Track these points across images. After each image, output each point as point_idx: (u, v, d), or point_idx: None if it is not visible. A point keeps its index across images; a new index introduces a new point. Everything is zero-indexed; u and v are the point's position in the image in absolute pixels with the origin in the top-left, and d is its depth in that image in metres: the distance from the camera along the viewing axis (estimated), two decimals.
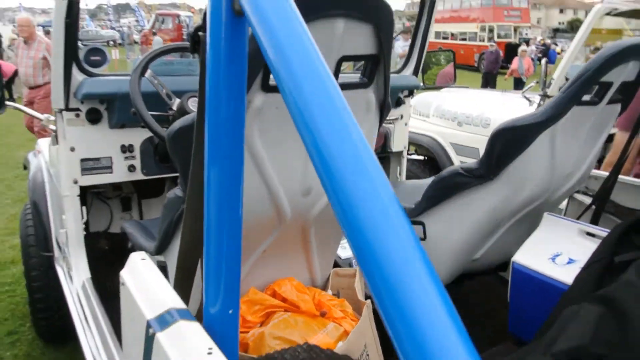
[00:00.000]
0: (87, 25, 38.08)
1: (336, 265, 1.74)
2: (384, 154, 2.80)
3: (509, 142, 1.54)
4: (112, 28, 33.08)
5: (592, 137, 1.69)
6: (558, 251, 1.53)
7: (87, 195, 2.29)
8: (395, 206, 0.49)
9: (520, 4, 27.13)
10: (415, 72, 2.66)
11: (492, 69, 14.88)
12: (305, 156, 1.21)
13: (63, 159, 1.98)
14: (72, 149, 1.95)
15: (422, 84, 3.27)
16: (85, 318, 1.93)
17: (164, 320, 0.88)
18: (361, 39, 1.13)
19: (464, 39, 25.79)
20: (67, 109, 1.91)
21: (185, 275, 0.98)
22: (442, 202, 1.77)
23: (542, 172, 1.61)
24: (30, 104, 6.65)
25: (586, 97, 1.57)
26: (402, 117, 2.72)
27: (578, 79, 1.47)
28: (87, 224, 2.22)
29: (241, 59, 0.75)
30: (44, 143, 2.93)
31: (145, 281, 1.01)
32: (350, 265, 2.00)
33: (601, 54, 1.48)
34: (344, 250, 1.84)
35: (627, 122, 2.07)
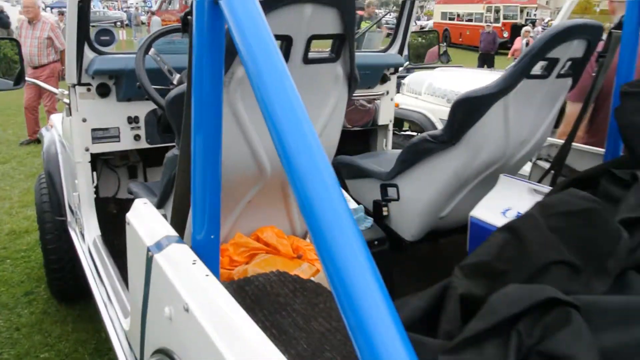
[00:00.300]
0: (94, 6, 38.13)
1: None
2: (372, 127, 3.01)
3: (467, 111, 1.75)
4: (120, 9, 33.12)
5: (545, 108, 1.89)
6: (509, 206, 1.75)
7: (97, 163, 2.51)
8: (329, 172, 0.68)
9: None
10: (400, 51, 2.85)
11: (489, 50, 15.15)
12: None
13: (76, 129, 2.21)
14: (84, 120, 2.18)
15: (408, 62, 3.46)
16: (97, 270, 2.17)
17: (160, 245, 1.11)
18: (328, 21, 1.33)
19: (470, 20, 25.67)
20: (80, 83, 2.13)
21: (179, 215, 1.21)
22: (413, 166, 1.99)
23: (497, 138, 1.82)
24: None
25: (537, 72, 1.76)
26: (387, 92, 2.92)
27: (526, 55, 1.67)
28: (97, 189, 2.45)
29: (219, 40, 0.96)
30: (56, 118, 3.16)
31: (146, 219, 1.24)
32: None
33: (546, 32, 1.67)
34: None
35: (577, 95, 2.25)
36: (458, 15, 26.84)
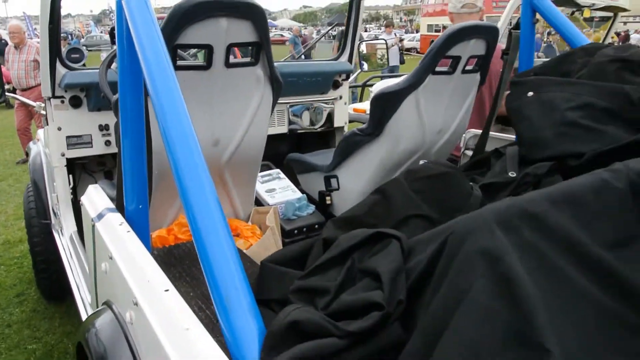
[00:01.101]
0: (92, 31, 38.75)
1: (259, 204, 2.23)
2: (330, 129, 3.28)
3: (383, 105, 2.02)
4: None
5: (456, 101, 2.16)
6: None
7: (75, 168, 2.78)
8: (201, 168, 0.95)
9: None
10: (349, 59, 3.13)
11: None
12: (210, 115, 1.69)
13: (52, 137, 2.48)
14: (59, 129, 2.45)
15: (360, 69, 3.74)
16: (74, 261, 2.43)
17: (101, 215, 1.37)
18: (243, 31, 1.61)
19: None
20: (54, 96, 2.41)
21: (119, 195, 1.47)
22: (347, 158, 2.25)
23: (413, 128, 2.08)
24: (22, 105, 7.16)
25: (443, 69, 2.03)
26: (341, 97, 3.20)
27: (428, 54, 1.94)
28: (75, 193, 2.72)
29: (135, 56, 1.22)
30: (42, 132, 3.44)
31: (94, 199, 1.51)
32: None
33: (443, 34, 1.95)
34: (272, 199, 2.32)
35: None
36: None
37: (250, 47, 1.67)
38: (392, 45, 11.16)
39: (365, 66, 3.97)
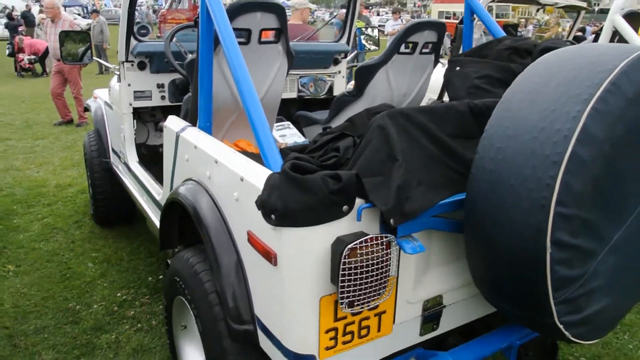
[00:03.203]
0: (105, 5, 39.44)
1: None
2: (330, 97, 4.15)
3: (363, 74, 2.89)
4: None
5: (417, 74, 3.02)
6: None
7: (134, 117, 3.67)
8: (258, 105, 1.83)
9: None
10: (347, 42, 4.00)
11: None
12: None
13: (123, 90, 3.37)
14: (129, 85, 3.34)
15: (357, 50, 4.61)
16: (139, 180, 3.32)
17: (183, 129, 2.27)
18: (270, 20, 2.47)
19: None
20: (127, 60, 3.29)
21: (193, 119, 2.35)
22: (339, 113, 3.13)
23: (384, 92, 2.95)
24: (58, 72, 8.06)
25: (406, 50, 2.89)
26: (339, 72, 4.07)
27: (394, 40, 2.80)
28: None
29: (210, 33, 2.09)
30: (99, 91, 4.34)
31: (174, 122, 2.40)
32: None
33: (403, 26, 2.81)
34: (284, 139, 3.20)
35: None
36: (454, 14, 27.95)
37: (274, 31, 2.54)
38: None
39: (369, 47, 4.89)
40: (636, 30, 3.88)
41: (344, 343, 1.54)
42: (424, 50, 2.93)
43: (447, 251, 1.71)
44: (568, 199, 1.24)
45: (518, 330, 1.88)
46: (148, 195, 3.05)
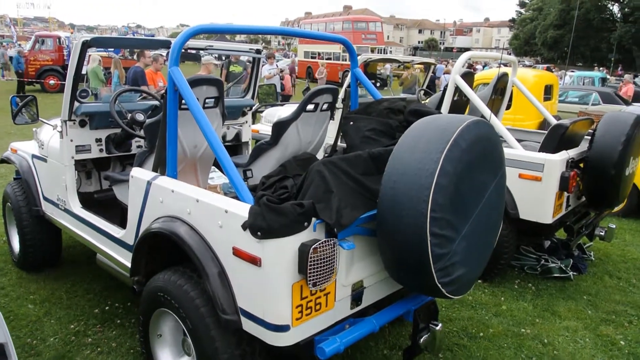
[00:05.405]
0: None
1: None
2: (238, 143, 4.92)
3: (279, 128, 3.72)
4: None
5: (318, 126, 3.91)
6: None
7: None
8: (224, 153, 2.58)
9: (376, 29, 31.27)
10: (252, 97, 4.82)
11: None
12: (194, 132, 3.27)
13: (65, 145, 3.85)
14: (72, 140, 3.84)
15: (258, 103, 5.47)
16: (87, 222, 3.78)
17: (154, 177, 2.92)
18: (212, 91, 3.22)
19: (329, 58, 29.05)
20: (70, 119, 3.79)
21: (162, 169, 3.00)
22: (257, 158, 3.91)
23: (295, 140, 3.79)
24: None
25: (310, 108, 3.78)
26: (246, 122, 4.86)
27: (302, 102, 3.68)
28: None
29: (176, 102, 2.80)
30: (17, 145, 4.68)
31: (143, 173, 3.03)
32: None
33: (309, 92, 3.70)
34: (213, 181, 3.90)
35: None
36: (319, 54, 30.11)
37: (213, 98, 3.29)
38: (274, 75, 13.01)
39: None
40: (471, 86, 5.21)
41: (307, 315, 2.32)
42: (323, 108, 3.84)
43: (366, 249, 2.58)
44: (437, 208, 2.17)
45: (413, 300, 2.81)
46: (104, 235, 3.56)
